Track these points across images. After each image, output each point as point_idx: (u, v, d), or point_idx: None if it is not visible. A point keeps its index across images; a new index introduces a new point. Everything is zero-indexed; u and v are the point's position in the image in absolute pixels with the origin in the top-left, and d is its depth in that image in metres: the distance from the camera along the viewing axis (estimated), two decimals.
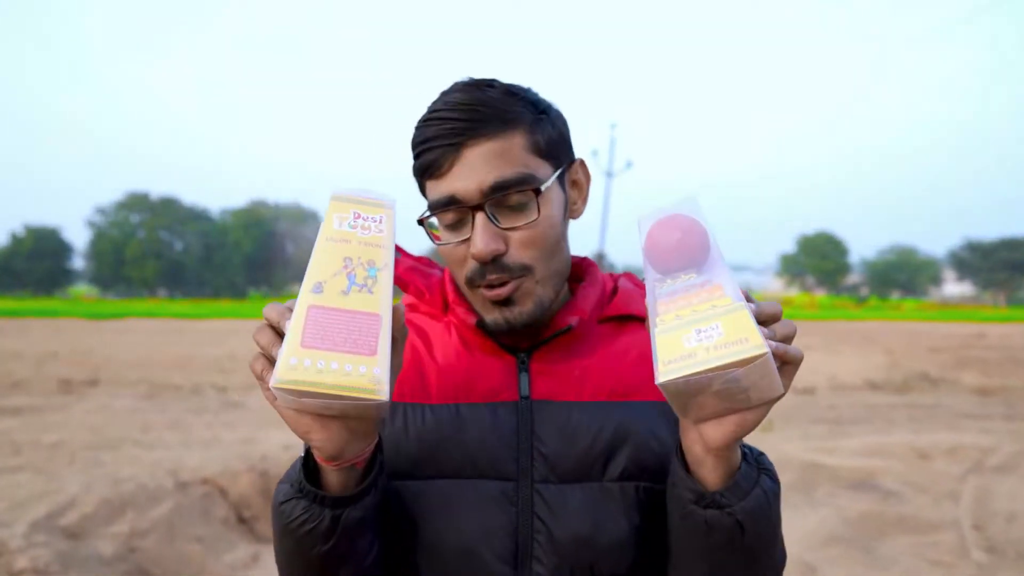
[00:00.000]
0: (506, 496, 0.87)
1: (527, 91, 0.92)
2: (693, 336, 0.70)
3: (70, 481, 4.82)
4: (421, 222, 0.90)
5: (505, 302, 0.89)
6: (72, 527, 4.13)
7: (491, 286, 0.88)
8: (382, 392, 0.68)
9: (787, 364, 0.71)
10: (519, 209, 0.87)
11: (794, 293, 79.50)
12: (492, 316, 0.90)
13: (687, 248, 0.77)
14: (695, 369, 0.68)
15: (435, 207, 0.88)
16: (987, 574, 3.66)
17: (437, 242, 0.90)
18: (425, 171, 0.89)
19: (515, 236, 0.87)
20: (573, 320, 0.93)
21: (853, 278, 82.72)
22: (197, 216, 72.13)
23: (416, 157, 0.90)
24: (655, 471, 0.89)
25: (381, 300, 0.73)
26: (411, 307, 1.03)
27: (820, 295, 75.51)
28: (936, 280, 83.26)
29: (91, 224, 70.89)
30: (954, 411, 8.35)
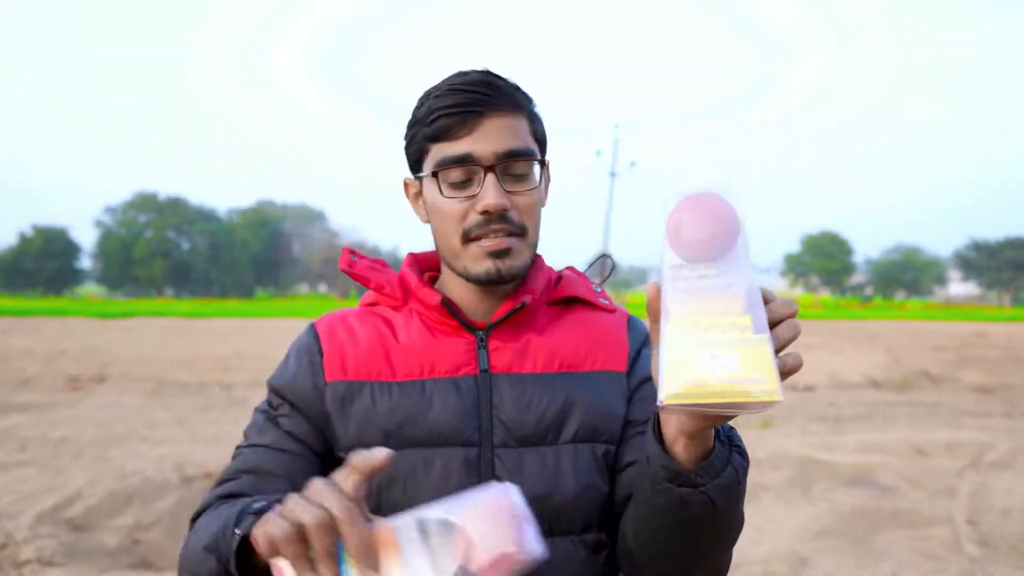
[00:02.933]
0: (469, 460, 0.95)
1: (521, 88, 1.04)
2: (707, 361, 0.66)
3: (76, 475, 4.90)
4: (435, 174, 0.97)
5: (501, 253, 0.97)
6: (77, 519, 4.21)
7: (494, 235, 0.96)
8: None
9: (783, 374, 0.69)
10: (522, 178, 0.98)
11: (798, 293, 79.28)
12: (485, 266, 0.97)
13: (713, 232, 0.72)
14: (702, 400, 0.65)
15: (448, 163, 0.96)
16: (978, 567, 3.69)
17: (442, 196, 0.97)
18: (440, 134, 0.96)
19: (518, 199, 0.98)
20: (527, 298, 1.01)
21: (858, 278, 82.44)
22: (205, 216, 72.40)
23: (431, 122, 0.97)
24: (604, 434, 0.99)
25: None
26: (372, 303, 1.09)
27: (824, 295, 75.29)
28: (941, 280, 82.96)
29: (99, 224, 71.24)
30: (954, 409, 8.37)
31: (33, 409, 8.00)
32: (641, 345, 1.09)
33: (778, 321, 0.72)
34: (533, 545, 0.63)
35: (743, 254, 0.73)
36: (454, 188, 0.97)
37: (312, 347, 1.04)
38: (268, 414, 1.02)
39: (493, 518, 0.63)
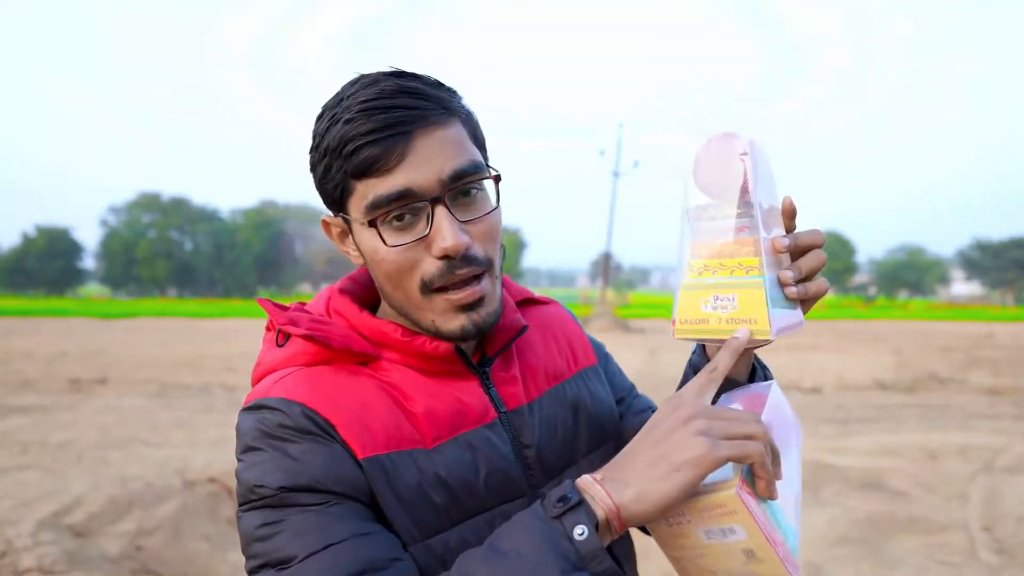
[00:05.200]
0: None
1: (443, 82, 0.85)
2: (711, 302, 0.76)
3: (77, 480, 4.84)
4: (373, 222, 0.79)
5: (474, 305, 0.82)
6: (78, 526, 4.15)
7: (463, 285, 0.81)
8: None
9: (808, 301, 0.80)
10: (474, 201, 0.82)
11: None
12: (458, 322, 0.83)
13: (730, 173, 0.75)
14: (704, 336, 0.77)
15: (383, 204, 0.78)
16: (996, 575, 3.63)
17: (386, 246, 0.80)
18: (366, 169, 0.78)
19: (476, 229, 0.81)
20: (522, 320, 0.94)
21: (861, 278, 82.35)
22: (208, 216, 72.50)
23: (349, 155, 0.78)
24: (606, 426, 0.99)
25: None
26: (315, 362, 0.85)
27: (828, 295, 75.24)
28: (944, 280, 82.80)
29: (103, 223, 71.33)
30: (964, 411, 8.28)
31: (34, 411, 7.95)
32: (594, 343, 1.09)
33: (804, 250, 0.79)
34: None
35: (768, 201, 0.76)
36: (397, 233, 0.79)
37: (311, 421, 0.78)
38: (312, 509, 0.75)
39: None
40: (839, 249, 75.15)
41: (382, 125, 0.76)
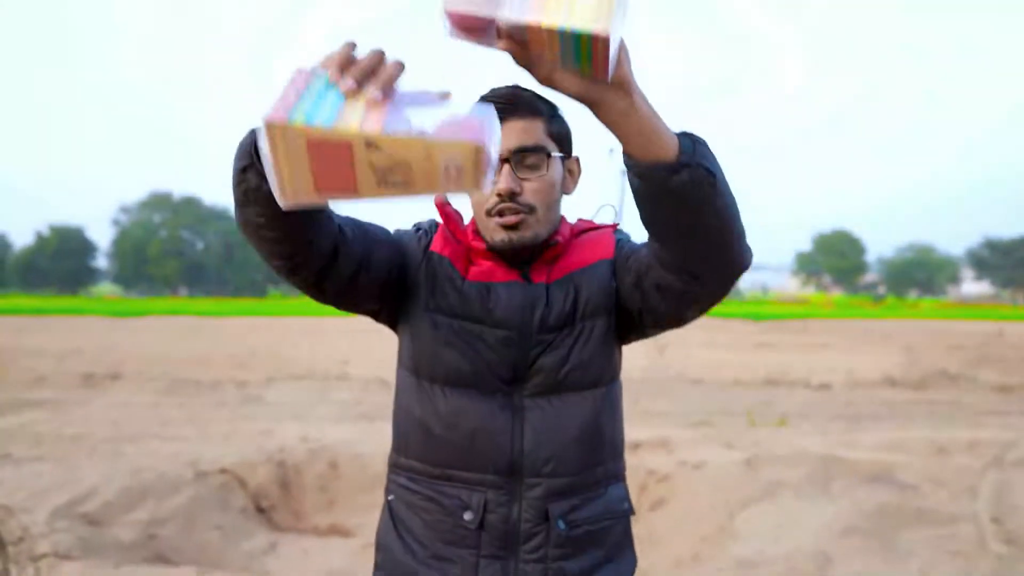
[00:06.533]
0: (511, 340, 1.28)
1: (548, 99, 1.30)
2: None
3: (90, 471, 4.89)
4: None
5: (513, 227, 1.26)
6: (92, 514, 4.19)
7: (502, 214, 1.26)
8: None
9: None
10: (533, 168, 1.26)
11: (810, 292, 78.81)
12: (500, 236, 1.27)
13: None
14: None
15: None
16: (1006, 566, 3.63)
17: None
18: None
19: (527, 184, 1.26)
20: (558, 239, 1.33)
21: (870, 277, 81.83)
22: (218, 215, 72.75)
23: None
24: (603, 302, 1.31)
25: None
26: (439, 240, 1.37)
27: (837, 294, 74.77)
28: (954, 279, 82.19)
29: (115, 223, 71.80)
30: (974, 408, 8.26)
31: (47, 406, 8.03)
32: (623, 237, 1.40)
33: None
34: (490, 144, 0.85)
35: None
36: None
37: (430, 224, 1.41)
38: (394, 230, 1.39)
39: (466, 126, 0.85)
40: (848, 248, 74.75)
41: None
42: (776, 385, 10.38)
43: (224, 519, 4.72)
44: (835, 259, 74.61)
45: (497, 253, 1.30)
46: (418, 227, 1.39)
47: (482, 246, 1.30)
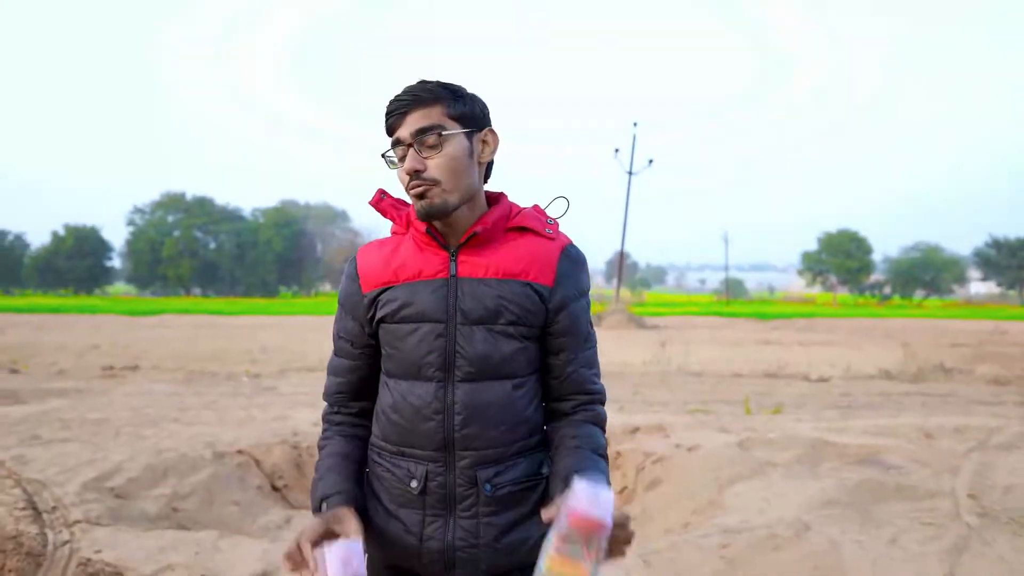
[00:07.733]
0: (439, 333, 1.49)
1: (454, 85, 1.50)
2: None
3: (115, 451, 5.17)
4: (384, 155, 1.51)
5: (421, 196, 1.47)
6: (119, 489, 4.47)
7: (416, 187, 1.46)
8: None
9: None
10: (433, 148, 1.46)
11: (816, 291, 78.40)
12: (417, 206, 1.48)
13: (591, 534, 1.23)
14: None
15: (394, 145, 1.49)
16: (976, 534, 3.83)
17: (393, 167, 1.50)
18: (389, 127, 1.49)
19: (429, 161, 1.46)
20: (479, 228, 1.50)
21: (877, 276, 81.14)
22: (230, 216, 73.23)
23: (386, 118, 1.49)
24: (524, 325, 1.50)
25: None
26: (393, 231, 1.60)
27: (843, 294, 74.33)
28: (961, 279, 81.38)
29: (130, 223, 72.34)
30: (967, 399, 8.42)
31: (70, 395, 8.34)
32: (569, 268, 1.55)
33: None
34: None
35: (603, 549, 1.26)
36: (400, 162, 1.48)
37: (351, 270, 1.60)
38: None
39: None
40: (854, 248, 74.17)
41: (396, 107, 1.47)
42: (775, 378, 10.56)
43: (242, 495, 4.99)
44: (841, 258, 74.11)
45: (429, 228, 1.50)
46: (347, 274, 1.61)
47: (423, 228, 1.50)
